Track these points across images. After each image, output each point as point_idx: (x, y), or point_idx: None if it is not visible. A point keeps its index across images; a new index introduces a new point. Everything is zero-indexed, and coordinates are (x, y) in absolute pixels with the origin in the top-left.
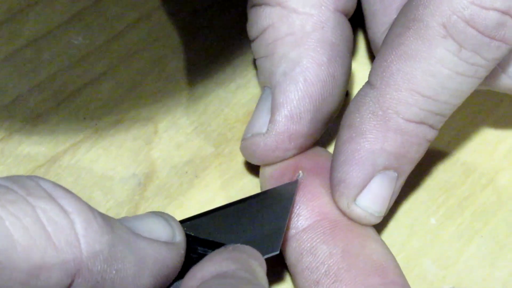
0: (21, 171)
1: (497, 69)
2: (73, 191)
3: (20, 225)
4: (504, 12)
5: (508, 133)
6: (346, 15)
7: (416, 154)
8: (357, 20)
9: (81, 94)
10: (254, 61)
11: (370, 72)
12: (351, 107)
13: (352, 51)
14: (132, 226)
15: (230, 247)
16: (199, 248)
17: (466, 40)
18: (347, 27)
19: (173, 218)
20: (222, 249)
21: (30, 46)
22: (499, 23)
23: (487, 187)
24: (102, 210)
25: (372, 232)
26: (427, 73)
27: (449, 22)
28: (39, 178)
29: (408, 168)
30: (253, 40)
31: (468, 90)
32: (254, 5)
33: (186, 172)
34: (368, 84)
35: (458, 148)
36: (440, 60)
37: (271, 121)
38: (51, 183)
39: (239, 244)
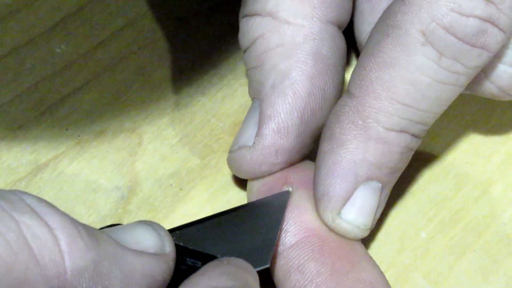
0: (1, 184)
1: (480, 74)
2: (54, 204)
3: (3, 239)
4: (485, 19)
5: (501, 144)
6: (339, 27)
7: (399, 163)
8: (351, 33)
9: (63, 104)
10: (242, 71)
11: (349, 81)
12: (330, 117)
13: (346, 64)
14: (119, 237)
15: (224, 261)
16: (188, 259)
17: (446, 47)
18: (339, 39)
19: (162, 227)
20: (216, 262)
21: (11, 54)
22: (480, 30)
23: (480, 199)
24: None
25: (361, 248)
26: (407, 81)
27: (428, 29)
28: (23, 193)
29: (392, 178)
30: (244, 51)
31: (449, 98)
32: (245, 15)
33: (171, 185)
34: (347, 93)
35: (450, 159)
36: (420, 68)
37: (257, 134)
38: (36, 198)
39: (233, 258)
